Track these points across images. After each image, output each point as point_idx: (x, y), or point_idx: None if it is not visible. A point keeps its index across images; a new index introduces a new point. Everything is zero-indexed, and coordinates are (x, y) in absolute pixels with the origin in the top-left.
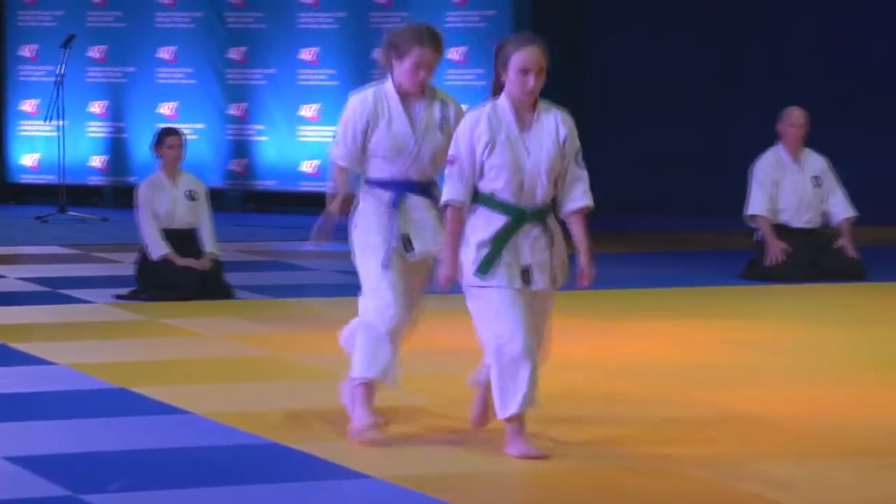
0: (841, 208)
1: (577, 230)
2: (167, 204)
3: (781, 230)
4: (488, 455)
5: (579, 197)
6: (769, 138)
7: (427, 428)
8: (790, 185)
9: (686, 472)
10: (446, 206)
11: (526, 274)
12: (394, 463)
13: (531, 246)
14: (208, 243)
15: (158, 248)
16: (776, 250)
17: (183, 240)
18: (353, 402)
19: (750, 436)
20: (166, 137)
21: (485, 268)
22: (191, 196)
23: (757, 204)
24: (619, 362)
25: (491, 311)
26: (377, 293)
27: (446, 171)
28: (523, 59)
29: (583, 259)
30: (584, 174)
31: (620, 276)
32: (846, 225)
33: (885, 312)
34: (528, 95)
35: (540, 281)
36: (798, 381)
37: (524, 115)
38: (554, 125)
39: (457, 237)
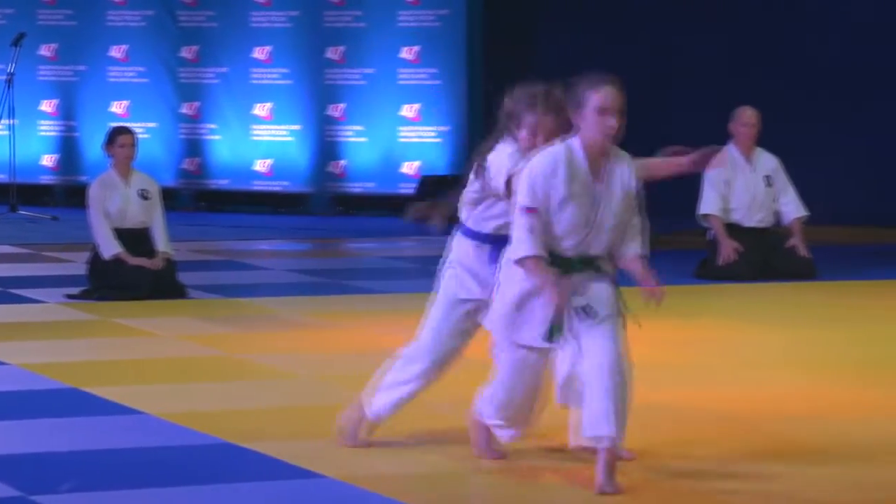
0: (792, 207)
1: (637, 269)
2: (119, 203)
3: (733, 229)
4: (443, 456)
5: (637, 247)
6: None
7: (381, 428)
8: (742, 184)
9: (647, 471)
10: (524, 259)
11: (586, 310)
12: (347, 462)
13: (581, 284)
14: (161, 242)
15: (110, 248)
16: (728, 249)
17: (135, 239)
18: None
19: (709, 434)
20: (118, 136)
21: (555, 334)
22: (143, 195)
23: (709, 203)
24: None
25: (508, 368)
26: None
27: (522, 220)
28: (602, 98)
29: (644, 273)
30: (642, 223)
31: None
32: (797, 224)
33: (835, 311)
34: (607, 137)
35: (601, 308)
36: (750, 379)
37: (598, 161)
38: (624, 175)
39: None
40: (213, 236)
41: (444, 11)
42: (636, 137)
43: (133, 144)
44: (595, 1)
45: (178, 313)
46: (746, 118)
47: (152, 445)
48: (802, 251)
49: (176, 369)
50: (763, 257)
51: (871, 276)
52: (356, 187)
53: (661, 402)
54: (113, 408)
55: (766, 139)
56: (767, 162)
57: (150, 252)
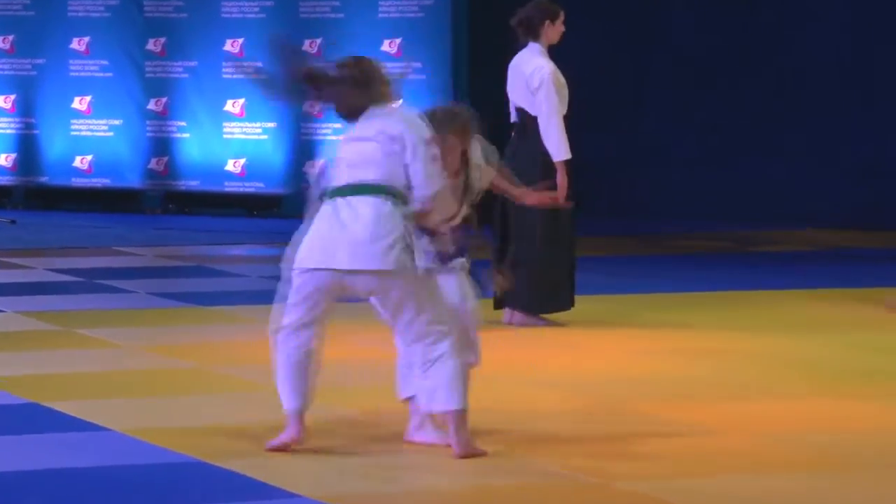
0: None
1: None
2: None
3: None
4: (419, 472)
5: None
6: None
7: (356, 443)
8: None
9: (625, 487)
10: None
11: None
12: (321, 481)
13: None
14: None
15: None
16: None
17: None
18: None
19: (693, 449)
20: None
21: None
22: None
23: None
24: (551, 374)
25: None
26: None
27: None
28: None
29: None
30: None
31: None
32: None
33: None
34: None
35: None
36: (735, 391)
37: None
38: None
39: None
40: (182, 241)
41: (429, 1)
42: None
43: None
44: None
45: (145, 323)
46: None
47: (118, 464)
48: None
49: (143, 382)
50: None
51: None
52: None
53: (641, 413)
54: (75, 424)
55: None
56: None
57: None
